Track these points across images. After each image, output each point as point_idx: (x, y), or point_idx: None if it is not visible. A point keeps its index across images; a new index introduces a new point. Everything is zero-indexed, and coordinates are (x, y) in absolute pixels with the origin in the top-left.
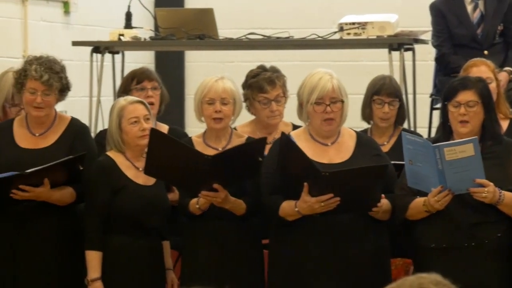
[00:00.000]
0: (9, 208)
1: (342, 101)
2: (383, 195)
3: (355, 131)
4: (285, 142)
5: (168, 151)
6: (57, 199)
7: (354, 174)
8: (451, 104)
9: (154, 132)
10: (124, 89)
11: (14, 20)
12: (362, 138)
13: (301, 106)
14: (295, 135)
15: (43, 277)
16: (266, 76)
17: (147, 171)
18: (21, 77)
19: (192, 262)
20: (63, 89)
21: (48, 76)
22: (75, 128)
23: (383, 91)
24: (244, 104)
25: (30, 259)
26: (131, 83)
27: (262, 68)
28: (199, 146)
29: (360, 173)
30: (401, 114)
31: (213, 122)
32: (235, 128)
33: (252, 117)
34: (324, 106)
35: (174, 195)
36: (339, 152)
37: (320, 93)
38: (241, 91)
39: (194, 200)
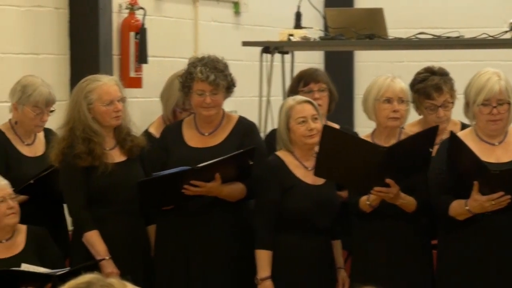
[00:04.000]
0: (181, 204)
1: (509, 103)
2: None
3: None
4: (454, 141)
5: (341, 147)
6: (227, 195)
7: None
8: None
9: (326, 129)
10: (292, 91)
11: (185, 20)
12: None
13: (467, 105)
14: (462, 136)
15: (214, 273)
16: (434, 83)
17: (318, 172)
18: (187, 80)
19: (363, 261)
20: (229, 86)
21: (214, 76)
22: (243, 126)
23: None
24: (411, 104)
25: (202, 254)
26: (298, 85)
27: (429, 72)
28: None
29: None
30: None
31: (390, 120)
32: (403, 128)
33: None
34: (490, 107)
35: (346, 193)
36: (506, 151)
37: (487, 94)
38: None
39: (365, 197)
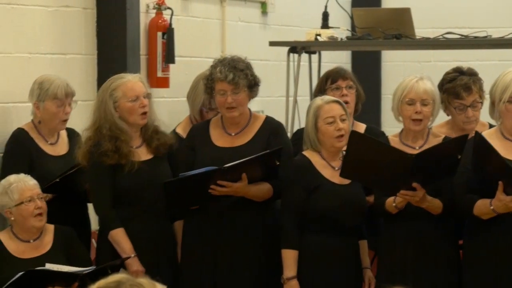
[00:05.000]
0: (207, 204)
1: None
2: None
3: None
4: (480, 141)
5: (368, 152)
6: (254, 195)
7: None
8: None
9: (354, 134)
10: (320, 90)
11: (212, 20)
12: None
13: (493, 104)
14: (487, 135)
15: (241, 272)
16: (463, 82)
17: (344, 173)
18: (209, 81)
19: (389, 261)
20: (251, 85)
21: (233, 74)
22: (270, 126)
23: None
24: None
25: (229, 254)
26: (325, 83)
27: (458, 72)
28: (396, 146)
29: None
30: None
31: (412, 123)
32: (430, 128)
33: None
34: None
35: (370, 197)
36: None
37: None
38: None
39: (391, 198)
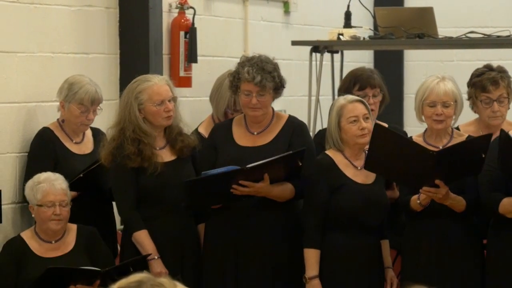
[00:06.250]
0: (229, 203)
1: None
2: None
3: None
4: (505, 139)
5: (392, 147)
6: (276, 195)
7: None
8: None
9: (377, 127)
10: (345, 91)
11: (235, 20)
12: None
13: None
14: None
15: (263, 272)
16: (491, 76)
17: (368, 166)
18: (235, 80)
19: (413, 260)
20: (277, 88)
21: (261, 77)
22: (293, 125)
23: None
24: (467, 103)
25: (251, 254)
26: (353, 87)
27: (487, 68)
28: None
29: None
30: None
31: (434, 122)
32: (457, 128)
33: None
34: None
35: (393, 193)
36: None
37: None
38: (466, 89)
39: (415, 196)
